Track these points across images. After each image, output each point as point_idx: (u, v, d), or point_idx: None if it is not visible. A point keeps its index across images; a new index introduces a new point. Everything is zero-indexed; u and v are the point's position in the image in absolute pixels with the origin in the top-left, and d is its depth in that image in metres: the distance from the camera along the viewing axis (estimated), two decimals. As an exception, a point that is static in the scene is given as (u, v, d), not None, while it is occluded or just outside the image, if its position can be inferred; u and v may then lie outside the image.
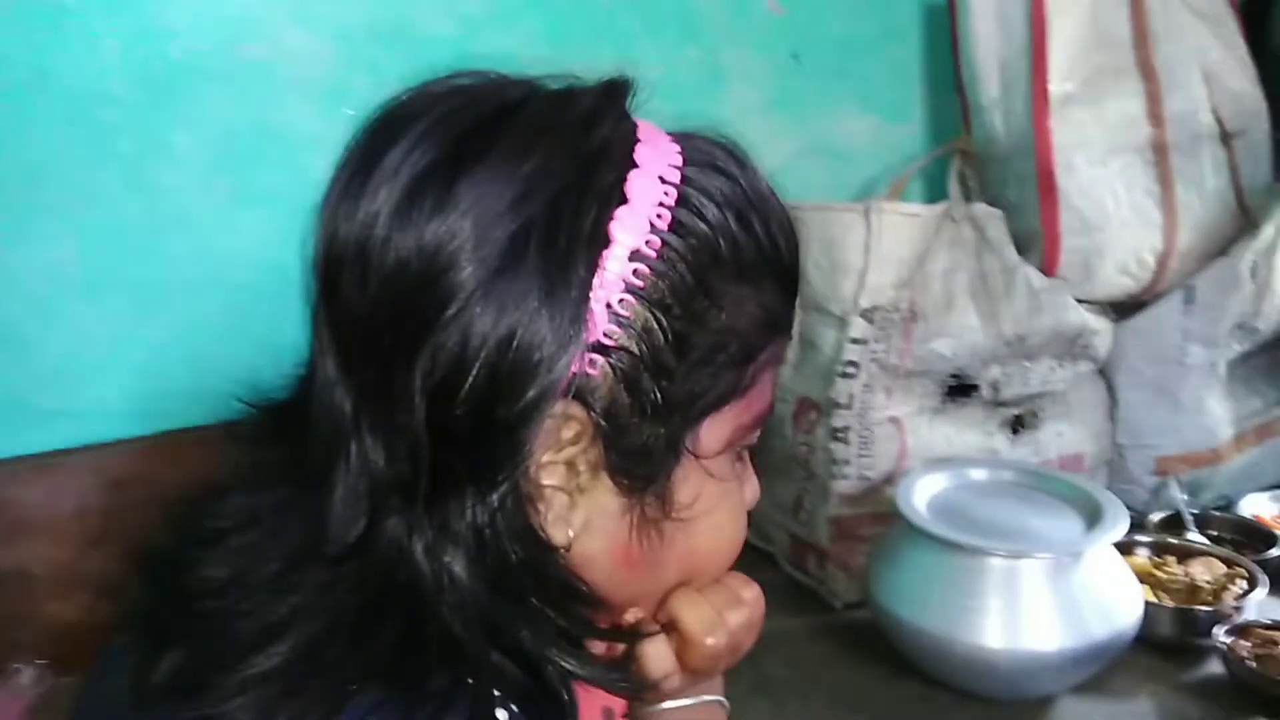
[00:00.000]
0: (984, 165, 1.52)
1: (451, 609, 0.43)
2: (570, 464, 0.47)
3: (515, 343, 0.42)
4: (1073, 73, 1.46)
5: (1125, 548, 1.34)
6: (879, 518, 1.38)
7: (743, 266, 0.48)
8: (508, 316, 0.42)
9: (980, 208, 1.43)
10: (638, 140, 0.48)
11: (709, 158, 0.49)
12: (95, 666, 0.50)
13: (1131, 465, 1.58)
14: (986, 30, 1.49)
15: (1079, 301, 1.46)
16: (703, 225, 0.47)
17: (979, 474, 1.33)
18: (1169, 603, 1.30)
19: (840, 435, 1.38)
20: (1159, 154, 1.47)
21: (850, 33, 1.60)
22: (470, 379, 0.42)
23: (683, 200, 0.47)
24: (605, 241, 0.45)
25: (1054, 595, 1.15)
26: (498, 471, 0.44)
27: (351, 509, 0.43)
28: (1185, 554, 1.39)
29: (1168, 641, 1.27)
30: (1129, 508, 1.25)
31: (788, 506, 1.50)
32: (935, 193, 1.60)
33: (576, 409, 0.45)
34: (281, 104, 1.20)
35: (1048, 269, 1.46)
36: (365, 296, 0.43)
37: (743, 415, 0.51)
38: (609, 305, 0.45)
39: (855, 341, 1.37)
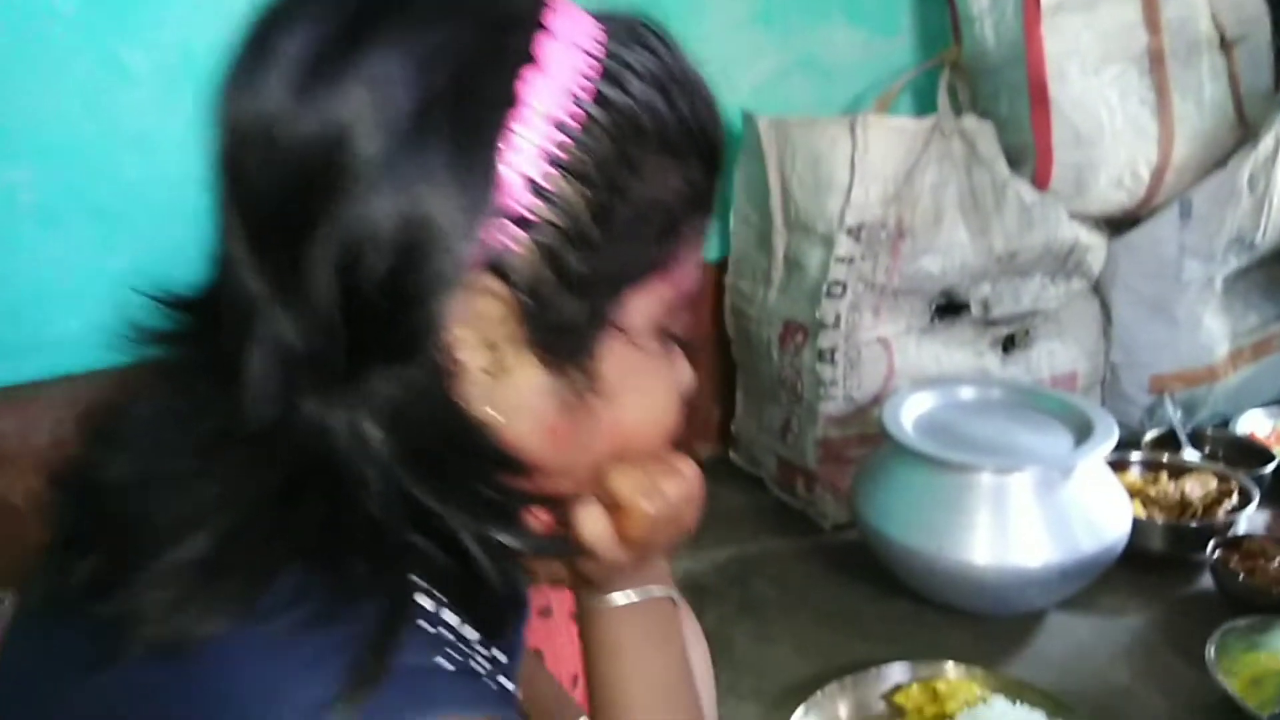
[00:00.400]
0: (974, 77, 1.47)
1: (370, 490, 0.42)
2: (493, 342, 0.45)
3: (424, 215, 0.41)
4: (1066, -23, 1.40)
5: (1118, 465, 1.33)
6: (866, 439, 1.36)
7: (667, 140, 0.47)
8: (414, 188, 0.41)
9: (970, 121, 1.39)
10: (549, 8, 0.45)
11: (632, 33, 0.47)
12: (23, 586, 0.48)
13: (1126, 384, 1.55)
14: (977, -65, 1.43)
15: (1072, 217, 1.43)
16: (626, 98, 0.45)
17: (967, 392, 1.31)
18: (1160, 518, 1.28)
19: (827, 357, 1.36)
20: (1155, 62, 1.42)
21: (837, -58, 1.54)
22: (379, 253, 0.41)
23: (606, 74, 0.45)
24: (514, 103, 0.43)
25: (1042, 510, 1.14)
26: (413, 347, 0.42)
27: (267, 389, 0.42)
28: (1178, 471, 1.37)
29: (1158, 557, 1.26)
30: (1123, 426, 1.23)
31: (775, 430, 1.49)
32: (924, 106, 1.55)
33: (496, 284, 0.44)
34: (239, 22, 1.15)
35: (1040, 183, 1.42)
36: (270, 177, 0.42)
37: (667, 292, 0.50)
38: (530, 179, 0.43)
39: (841, 260, 1.34)
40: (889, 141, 1.35)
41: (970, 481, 1.16)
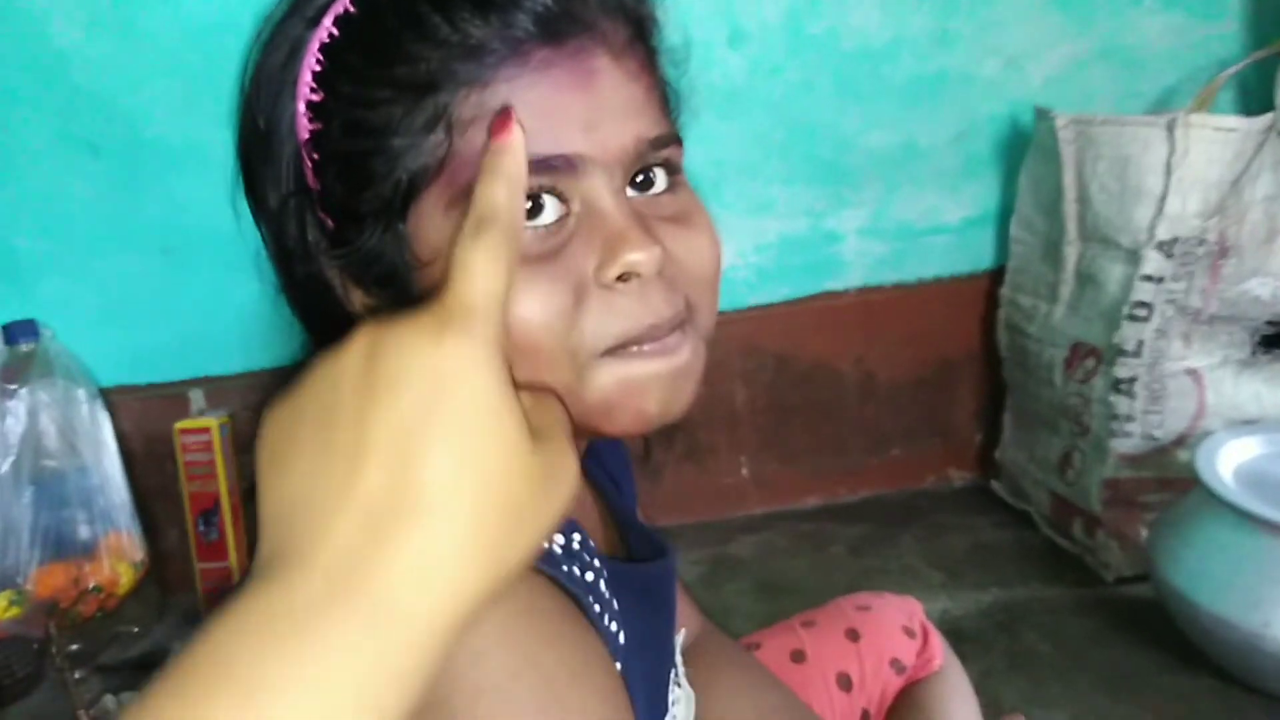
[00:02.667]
0: (1325, 67, 1.26)
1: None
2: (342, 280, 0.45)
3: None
4: None
5: None
6: (1166, 483, 1.20)
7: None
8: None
9: (1318, 120, 1.19)
10: None
11: None
12: None
13: None
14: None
15: None
16: None
17: (1302, 440, 1.12)
18: None
19: (1124, 387, 1.20)
20: None
21: (1152, -88, 1.36)
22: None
23: None
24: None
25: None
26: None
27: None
28: None
29: None
30: None
31: (1051, 463, 1.34)
32: (1253, 104, 1.34)
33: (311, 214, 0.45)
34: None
35: (1402, 195, 1.19)
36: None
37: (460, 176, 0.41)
38: (307, 102, 0.44)
39: (1149, 279, 1.18)
40: (1213, 144, 1.17)
41: None
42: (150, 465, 1.36)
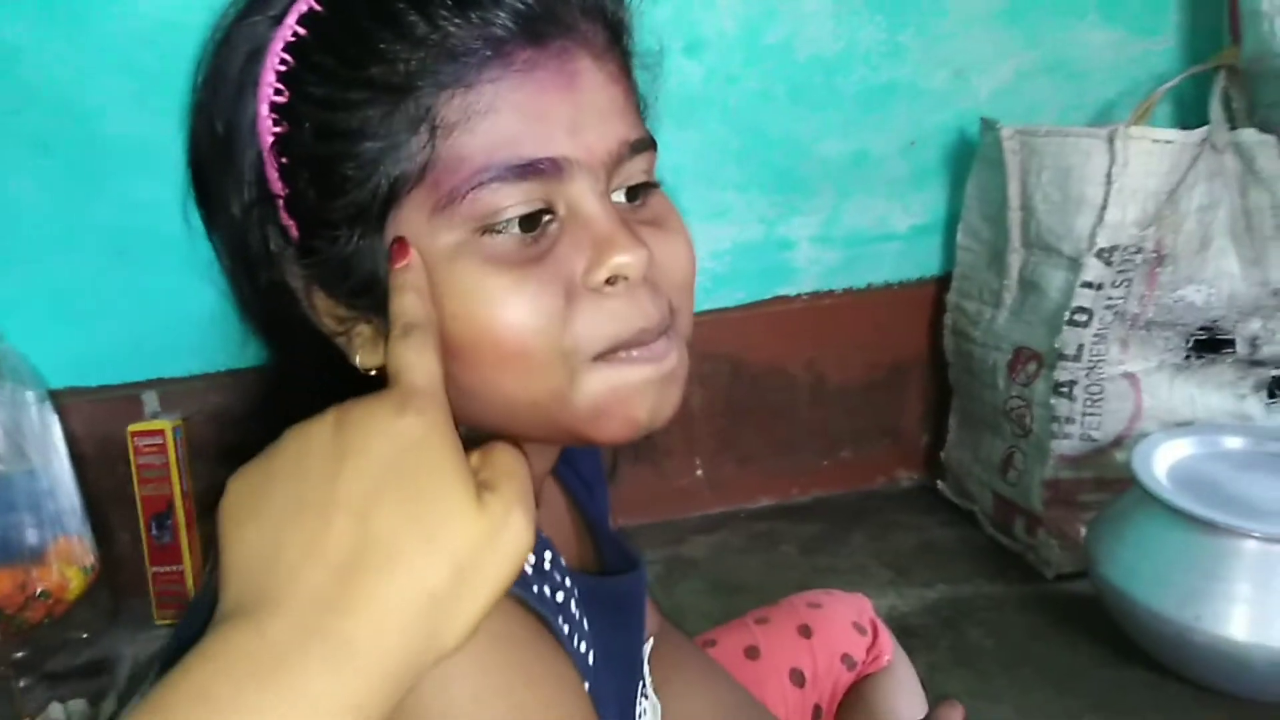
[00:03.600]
0: (1255, 83, 1.31)
1: None
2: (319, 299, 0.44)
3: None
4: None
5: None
6: (1104, 483, 1.24)
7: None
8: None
9: (1248, 134, 1.24)
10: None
11: None
12: None
13: None
14: (1267, -76, 1.27)
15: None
16: None
17: (1233, 442, 1.17)
18: None
19: (1064, 390, 1.24)
20: None
21: (1094, -70, 1.41)
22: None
23: None
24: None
25: (1324, 588, 1.00)
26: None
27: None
28: None
29: None
30: None
31: (994, 464, 1.38)
32: (1188, 117, 1.39)
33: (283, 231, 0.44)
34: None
35: (1328, 207, 1.25)
36: None
37: (457, 186, 0.40)
38: (271, 104, 0.42)
39: (1089, 286, 1.22)
40: (1151, 156, 1.21)
41: (1234, 547, 1.03)
42: (102, 468, 1.34)
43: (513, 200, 0.41)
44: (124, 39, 1.24)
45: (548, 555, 0.44)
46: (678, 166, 1.38)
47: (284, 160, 0.42)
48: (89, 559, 1.28)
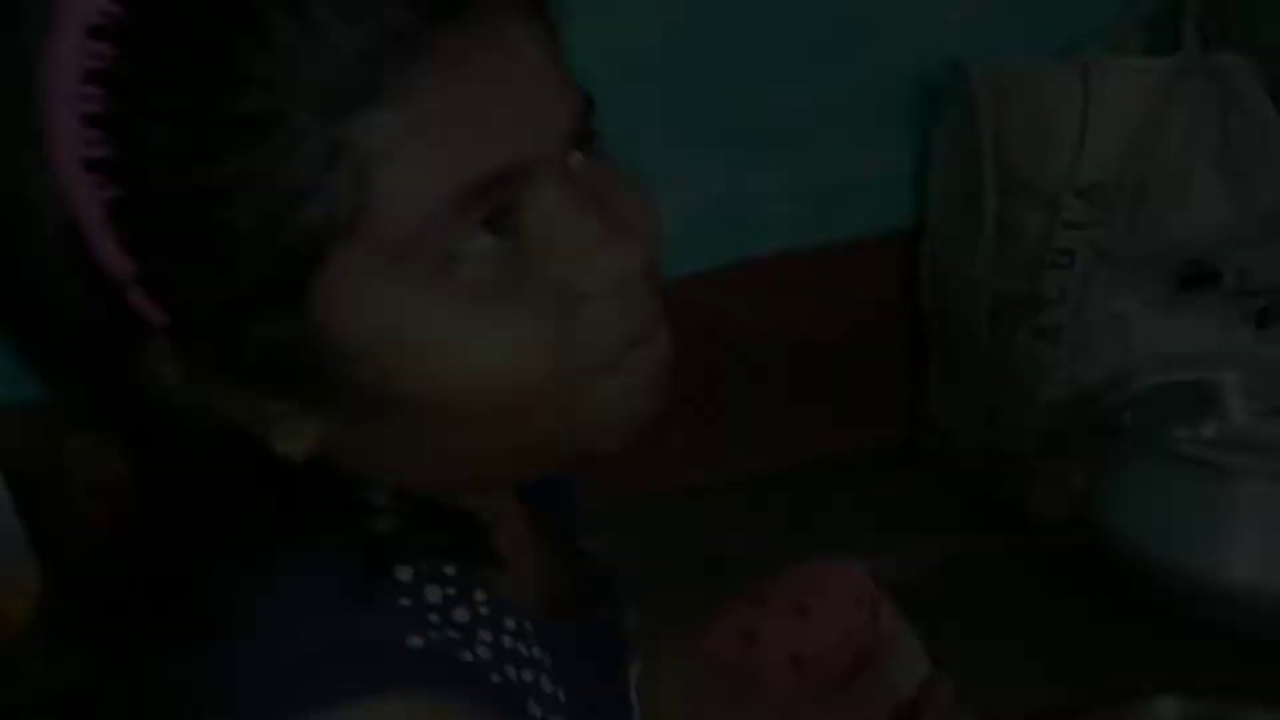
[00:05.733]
0: (1232, 3, 1.27)
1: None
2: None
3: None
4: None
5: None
6: (1097, 429, 1.21)
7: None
8: None
9: (1226, 57, 1.20)
10: None
11: None
12: None
13: None
14: None
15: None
16: None
17: (1230, 379, 1.14)
18: None
19: (1049, 335, 1.21)
20: None
21: None
22: None
23: None
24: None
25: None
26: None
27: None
28: None
29: None
30: None
31: (980, 416, 1.34)
32: (1158, 43, 1.36)
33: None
34: None
35: (1312, 127, 1.22)
36: None
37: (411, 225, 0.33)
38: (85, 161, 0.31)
39: (1070, 226, 1.18)
40: (1126, 87, 1.18)
41: (1236, 488, 1.02)
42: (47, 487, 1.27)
43: (471, 225, 0.34)
44: None
45: (511, 624, 0.39)
46: (634, 129, 1.31)
47: (123, 236, 0.32)
48: (34, 585, 1.21)
